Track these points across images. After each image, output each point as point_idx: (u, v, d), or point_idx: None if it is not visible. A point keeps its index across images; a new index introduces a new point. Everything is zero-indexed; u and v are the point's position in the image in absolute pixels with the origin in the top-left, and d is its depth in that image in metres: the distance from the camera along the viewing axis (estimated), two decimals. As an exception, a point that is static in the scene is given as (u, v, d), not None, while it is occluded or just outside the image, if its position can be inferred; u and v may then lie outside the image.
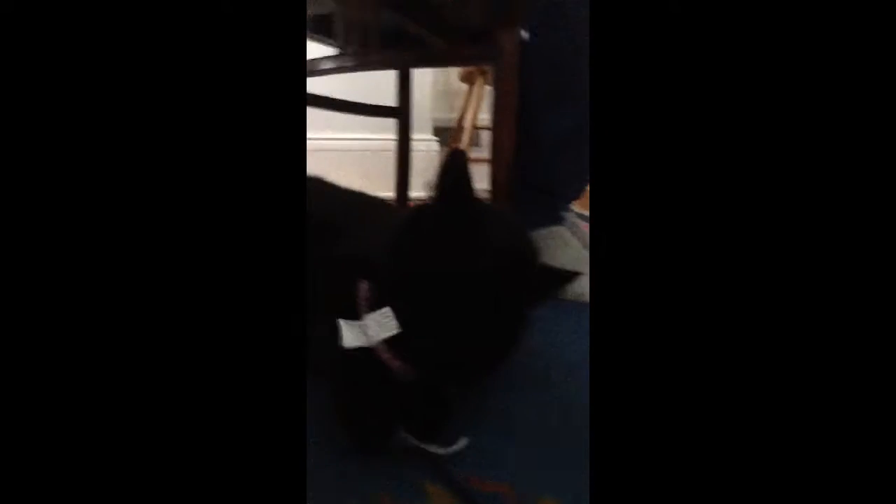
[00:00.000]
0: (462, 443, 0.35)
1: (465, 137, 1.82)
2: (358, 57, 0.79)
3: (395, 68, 1.00)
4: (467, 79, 1.88)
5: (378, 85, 1.57)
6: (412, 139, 1.19)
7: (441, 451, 0.35)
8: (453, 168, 0.36)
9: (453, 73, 2.28)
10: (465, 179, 0.36)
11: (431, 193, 0.36)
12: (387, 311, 0.34)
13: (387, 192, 1.17)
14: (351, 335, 0.35)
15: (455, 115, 2.14)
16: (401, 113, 1.15)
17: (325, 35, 0.91)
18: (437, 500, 0.32)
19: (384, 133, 1.77)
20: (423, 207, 0.38)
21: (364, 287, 0.37)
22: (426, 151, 1.93)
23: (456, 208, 0.36)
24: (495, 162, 0.70)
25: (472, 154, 1.87)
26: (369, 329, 0.34)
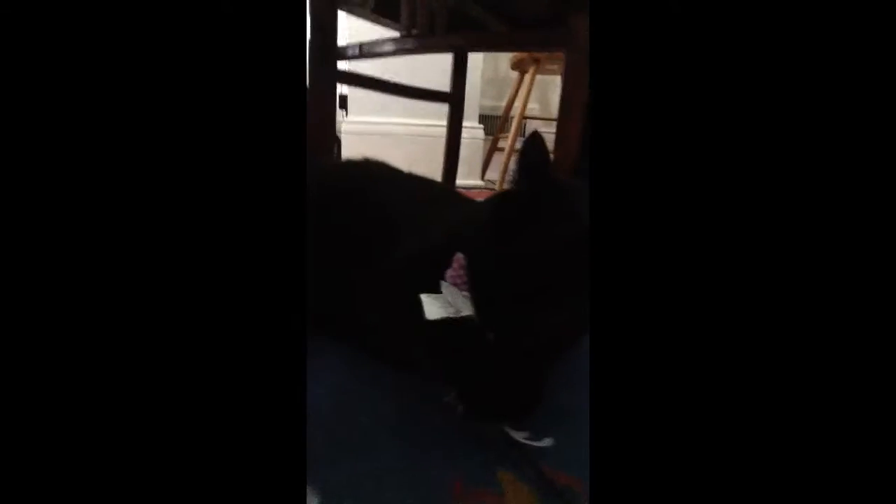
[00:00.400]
0: (547, 441, 0.35)
1: (514, 126, 1.80)
2: (421, 39, 0.78)
3: (459, 51, 0.99)
4: (518, 66, 1.84)
5: (429, 71, 1.55)
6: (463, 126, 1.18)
7: (528, 441, 0.35)
8: (533, 149, 0.36)
9: (502, 60, 2.24)
10: (546, 159, 0.36)
11: (515, 176, 0.36)
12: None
13: (434, 177, 1.17)
14: (434, 308, 0.36)
15: (502, 104, 2.11)
16: (454, 98, 1.14)
17: (389, 18, 0.91)
18: (509, 487, 0.32)
19: (432, 119, 1.77)
20: (509, 191, 0.38)
21: (458, 262, 0.38)
22: (472, 139, 1.91)
23: (540, 187, 0.36)
24: (559, 150, 0.68)
25: (519, 145, 1.84)
26: (454, 304, 0.35)
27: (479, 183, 1.97)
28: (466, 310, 0.36)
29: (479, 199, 0.51)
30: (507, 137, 1.83)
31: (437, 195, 0.58)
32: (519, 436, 0.35)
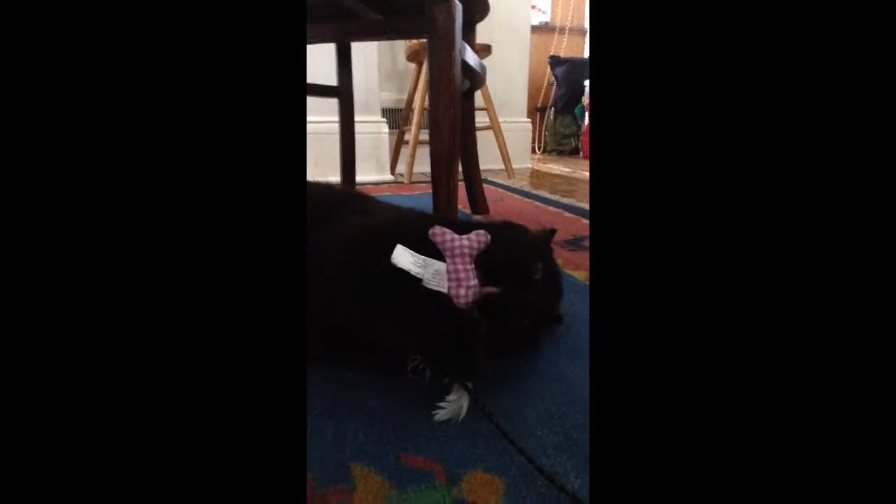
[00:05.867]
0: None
1: (416, 118, 1.79)
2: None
3: (325, 41, 0.97)
4: (414, 58, 1.84)
5: (323, 67, 1.50)
6: (357, 120, 1.16)
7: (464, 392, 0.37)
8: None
9: (399, 53, 2.23)
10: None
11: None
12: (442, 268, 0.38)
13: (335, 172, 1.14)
14: (404, 259, 0.38)
15: (404, 97, 2.10)
16: (342, 91, 1.11)
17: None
18: (361, 482, 0.31)
19: (331, 115, 1.72)
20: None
21: (441, 233, 0.40)
22: (377, 133, 1.88)
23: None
24: (434, 138, 0.68)
25: (422, 136, 1.84)
26: (421, 268, 0.38)
27: (389, 178, 1.95)
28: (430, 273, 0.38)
29: (387, 193, 0.53)
30: (411, 130, 1.82)
31: (338, 195, 0.63)
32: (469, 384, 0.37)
